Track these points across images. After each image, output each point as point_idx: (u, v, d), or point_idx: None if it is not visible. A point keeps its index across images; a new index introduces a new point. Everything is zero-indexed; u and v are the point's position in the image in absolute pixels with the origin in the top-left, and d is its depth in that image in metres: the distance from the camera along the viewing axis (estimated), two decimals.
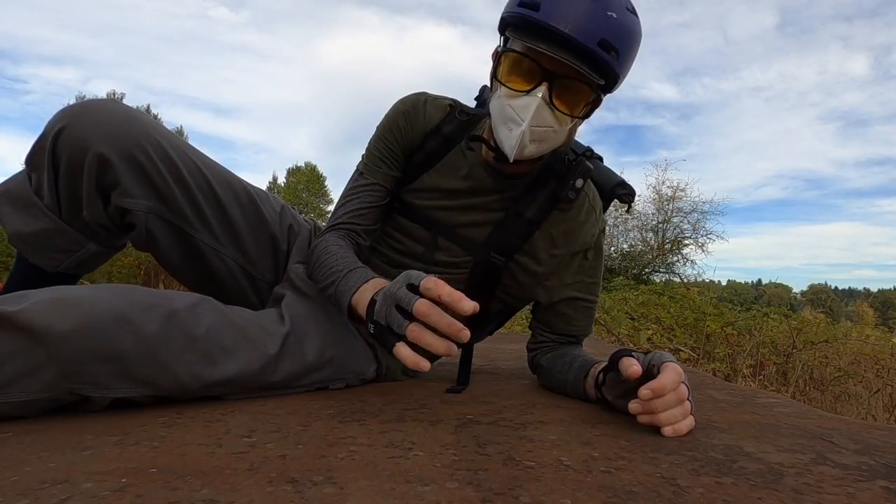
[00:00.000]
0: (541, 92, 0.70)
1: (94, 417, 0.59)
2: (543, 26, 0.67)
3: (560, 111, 0.72)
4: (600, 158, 0.96)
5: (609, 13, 0.68)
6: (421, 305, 0.59)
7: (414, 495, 0.41)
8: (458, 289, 0.87)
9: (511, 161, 0.74)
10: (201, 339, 0.65)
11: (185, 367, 0.63)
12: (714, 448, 0.57)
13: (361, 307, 0.68)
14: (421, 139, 0.87)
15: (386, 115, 0.89)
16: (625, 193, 0.92)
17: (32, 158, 0.72)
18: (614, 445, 0.56)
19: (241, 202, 0.87)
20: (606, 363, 0.72)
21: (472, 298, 0.76)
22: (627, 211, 1.03)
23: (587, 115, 0.77)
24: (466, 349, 0.95)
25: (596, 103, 0.76)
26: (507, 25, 0.74)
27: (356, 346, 0.86)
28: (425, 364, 0.60)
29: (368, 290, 0.68)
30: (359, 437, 0.56)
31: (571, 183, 0.83)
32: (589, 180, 0.88)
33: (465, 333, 0.58)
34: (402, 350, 0.60)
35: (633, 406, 0.63)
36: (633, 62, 0.74)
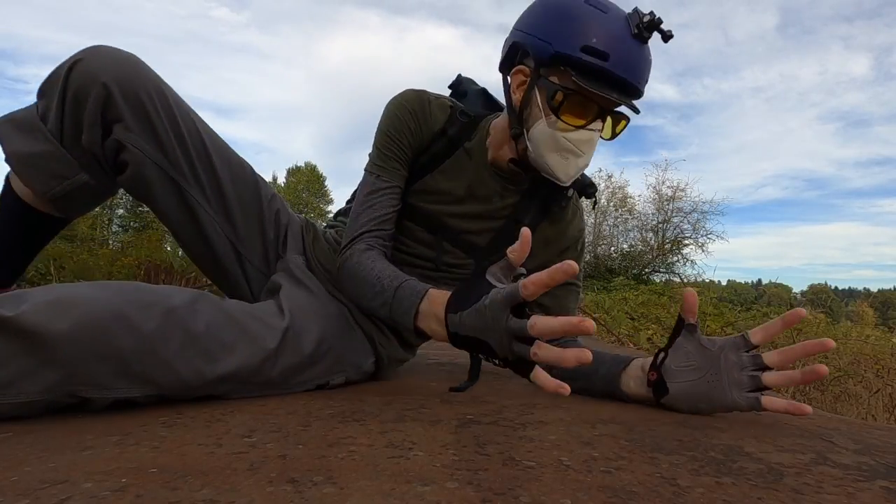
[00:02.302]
0: (599, 127, 0.80)
1: (94, 417, 0.59)
2: (614, 76, 0.75)
3: (604, 138, 0.83)
4: None
5: (649, 58, 0.79)
6: (535, 322, 0.56)
7: (414, 495, 0.41)
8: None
9: (567, 184, 0.83)
10: (201, 335, 0.65)
11: (185, 363, 0.63)
12: (714, 448, 0.57)
13: (436, 331, 0.67)
14: (429, 140, 0.88)
15: (391, 114, 0.87)
16: (592, 192, 0.99)
17: (44, 86, 0.75)
18: (614, 445, 0.56)
19: (235, 176, 0.88)
20: (666, 345, 0.73)
21: None
22: (593, 208, 1.14)
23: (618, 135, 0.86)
24: None
25: (627, 123, 0.85)
26: (565, 65, 0.76)
27: (354, 338, 0.87)
28: (565, 389, 0.56)
29: (430, 312, 0.68)
30: (359, 437, 0.56)
31: (565, 192, 0.92)
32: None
33: (589, 323, 0.53)
34: (542, 379, 0.58)
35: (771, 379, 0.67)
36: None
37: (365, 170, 0.90)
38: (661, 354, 0.73)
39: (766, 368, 0.67)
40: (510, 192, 0.90)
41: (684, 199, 13.82)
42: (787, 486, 0.46)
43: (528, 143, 0.81)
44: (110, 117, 0.74)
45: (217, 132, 0.87)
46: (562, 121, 0.78)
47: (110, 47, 0.75)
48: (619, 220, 14.16)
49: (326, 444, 0.53)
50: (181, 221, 0.84)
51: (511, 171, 0.87)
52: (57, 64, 0.74)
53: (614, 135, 0.84)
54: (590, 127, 0.79)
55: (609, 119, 0.81)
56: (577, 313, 1.00)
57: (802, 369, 0.64)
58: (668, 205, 14.01)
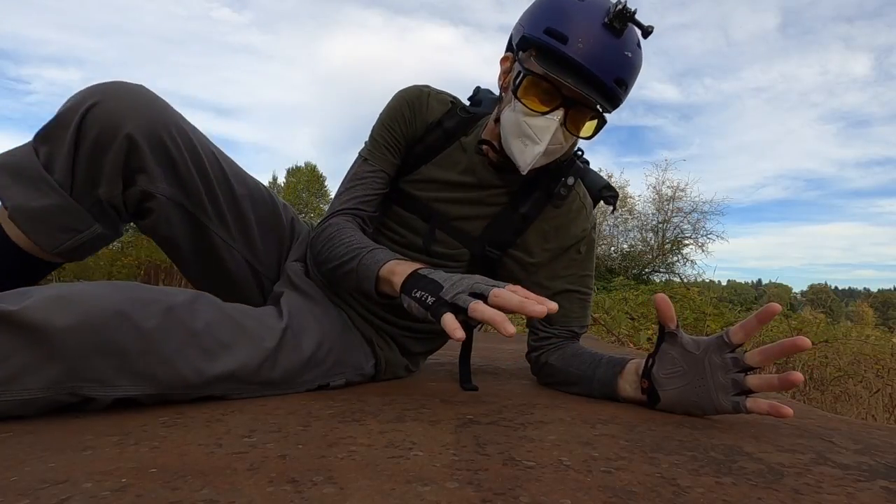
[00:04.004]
0: (558, 116, 0.76)
1: (94, 417, 0.59)
2: (570, 60, 0.73)
3: (571, 132, 0.79)
4: (587, 163, 1.01)
5: (626, 53, 0.75)
6: (497, 291, 0.63)
7: (414, 495, 0.41)
8: None
9: (524, 174, 0.81)
10: (200, 333, 0.65)
11: (185, 361, 0.63)
12: (714, 448, 0.57)
13: (398, 275, 0.70)
14: (423, 131, 0.90)
15: (389, 105, 0.90)
16: (610, 196, 0.98)
17: (49, 132, 0.70)
18: (614, 445, 0.56)
19: (254, 198, 0.89)
20: (654, 350, 0.74)
21: None
22: (612, 212, 1.09)
23: (593, 136, 0.83)
24: (465, 348, 0.96)
25: (602, 125, 0.82)
26: (531, 47, 0.78)
27: (354, 341, 0.87)
28: (460, 333, 0.61)
29: (404, 265, 0.71)
30: (359, 437, 0.56)
31: (563, 180, 0.89)
32: (579, 180, 0.92)
33: (541, 308, 0.60)
34: (447, 319, 0.63)
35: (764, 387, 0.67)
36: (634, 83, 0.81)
37: (358, 154, 0.93)
38: (650, 361, 0.74)
39: (748, 369, 0.68)
40: (506, 182, 0.89)
41: (684, 199, 13.84)
42: (787, 486, 0.46)
43: (500, 127, 0.82)
44: (134, 167, 0.72)
45: (217, 133, 0.89)
46: (522, 103, 0.77)
47: (122, 84, 0.71)
48: (619, 220, 14.16)
49: (326, 444, 0.53)
50: (199, 254, 0.85)
51: (502, 161, 0.87)
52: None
53: (587, 134, 0.81)
54: (549, 115, 0.76)
55: (574, 113, 0.78)
56: (588, 321, 0.98)
57: (780, 375, 0.65)
58: (668, 205, 14.02)
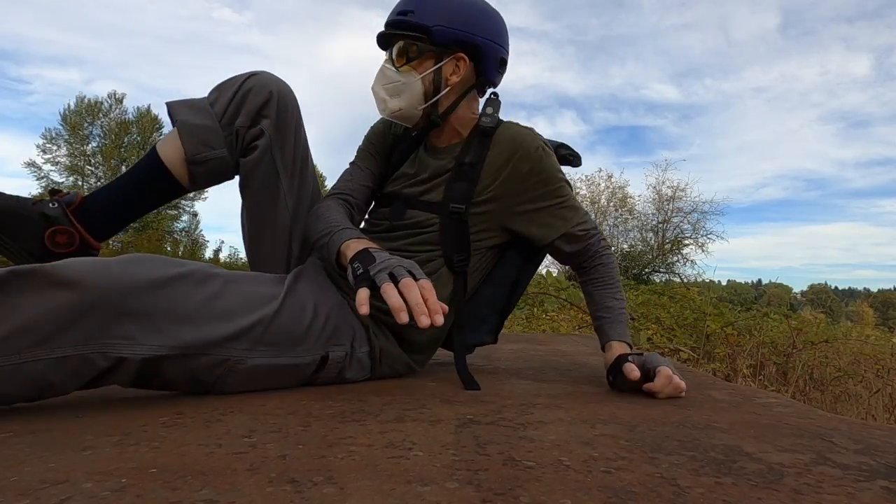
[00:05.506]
0: (383, 61, 0.99)
1: (95, 417, 0.59)
2: (386, 22, 0.99)
3: (401, 66, 0.97)
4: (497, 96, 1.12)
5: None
6: (408, 282, 0.74)
7: (414, 495, 0.41)
8: (430, 249, 1.00)
9: (386, 116, 1.00)
10: (218, 296, 0.75)
11: (204, 320, 0.72)
12: (714, 448, 0.57)
13: (351, 250, 0.82)
14: (392, 140, 1.10)
15: (368, 130, 1.13)
16: (568, 154, 1.08)
17: (221, 85, 0.96)
18: (614, 445, 0.56)
19: (314, 193, 1.05)
20: (613, 362, 0.92)
21: (449, 252, 0.97)
22: (576, 166, 1.15)
23: (412, 60, 0.97)
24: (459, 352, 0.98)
25: (429, 53, 0.96)
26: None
27: (351, 319, 0.92)
28: (365, 309, 0.72)
29: (362, 242, 0.84)
30: (359, 437, 0.56)
31: (483, 111, 1.00)
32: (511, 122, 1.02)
33: (426, 320, 0.71)
34: (361, 292, 0.74)
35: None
36: (446, 14, 0.95)
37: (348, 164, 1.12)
38: (610, 378, 0.93)
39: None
40: (446, 149, 1.01)
41: (684, 199, 13.88)
42: (787, 486, 0.46)
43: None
44: (264, 113, 0.95)
45: None
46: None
47: (273, 75, 0.98)
48: (619, 220, 14.21)
49: (326, 444, 0.53)
50: (263, 204, 1.00)
51: (431, 138, 1.04)
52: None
53: (405, 60, 0.97)
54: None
55: (393, 51, 0.97)
56: (581, 218, 1.02)
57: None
58: (668, 205, 14.06)
